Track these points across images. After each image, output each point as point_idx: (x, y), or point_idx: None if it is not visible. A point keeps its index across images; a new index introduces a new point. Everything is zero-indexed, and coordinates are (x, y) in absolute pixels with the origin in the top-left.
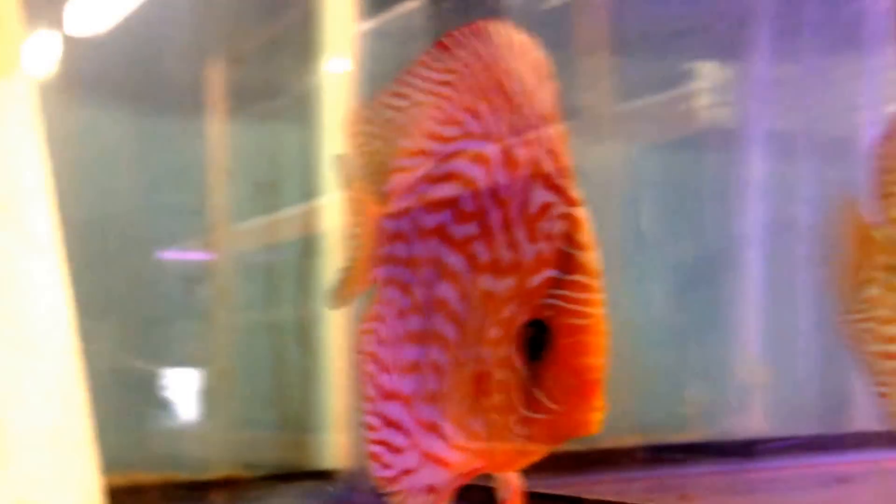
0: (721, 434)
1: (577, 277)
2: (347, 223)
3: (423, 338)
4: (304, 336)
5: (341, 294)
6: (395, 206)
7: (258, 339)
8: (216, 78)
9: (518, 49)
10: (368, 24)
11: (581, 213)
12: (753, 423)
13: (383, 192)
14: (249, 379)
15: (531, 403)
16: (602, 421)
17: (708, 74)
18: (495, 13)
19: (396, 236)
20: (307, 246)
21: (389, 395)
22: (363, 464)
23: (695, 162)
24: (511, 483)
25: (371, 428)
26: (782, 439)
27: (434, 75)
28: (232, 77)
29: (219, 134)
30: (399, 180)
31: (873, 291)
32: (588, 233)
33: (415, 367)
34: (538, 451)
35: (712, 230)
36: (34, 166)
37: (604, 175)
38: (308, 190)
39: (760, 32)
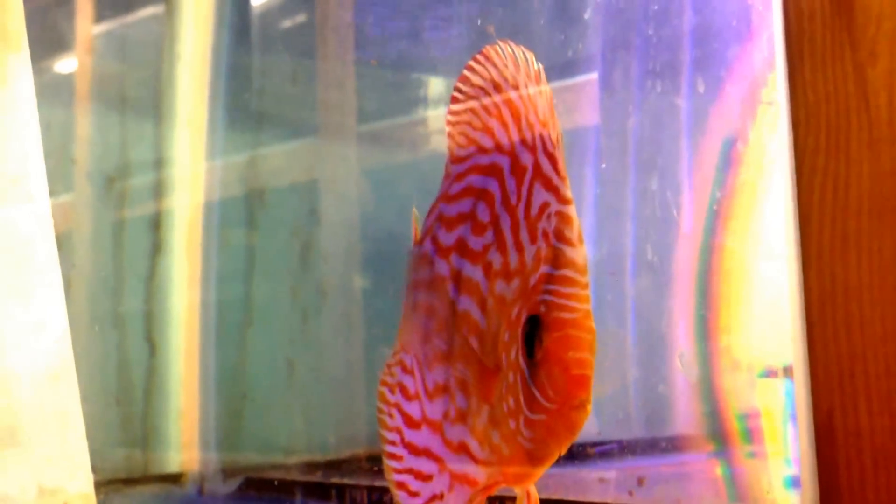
0: None
1: (565, 272)
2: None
3: (448, 357)
4: (151, 334)
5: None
6: (420, 232)
7: (102, 335)
8: None
9: (521, 64)
10: (105, 26)
11: (572, 210)
12: (586, 427)
13: None
14: (92, 377)
15: (531, 404)
16: (586, 419)
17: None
18: (242, 29)
19: (420, 260)
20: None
21: (417, 423)
22: (209, 467)
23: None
24: (531, 497)
25: (395, 458)
26: (610, 443)
27: (457, 107)
28: None
29: None
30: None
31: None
32: (577, 230)
33: (443, 389)
34: (548, 457)
35: None
36: (37, 145)
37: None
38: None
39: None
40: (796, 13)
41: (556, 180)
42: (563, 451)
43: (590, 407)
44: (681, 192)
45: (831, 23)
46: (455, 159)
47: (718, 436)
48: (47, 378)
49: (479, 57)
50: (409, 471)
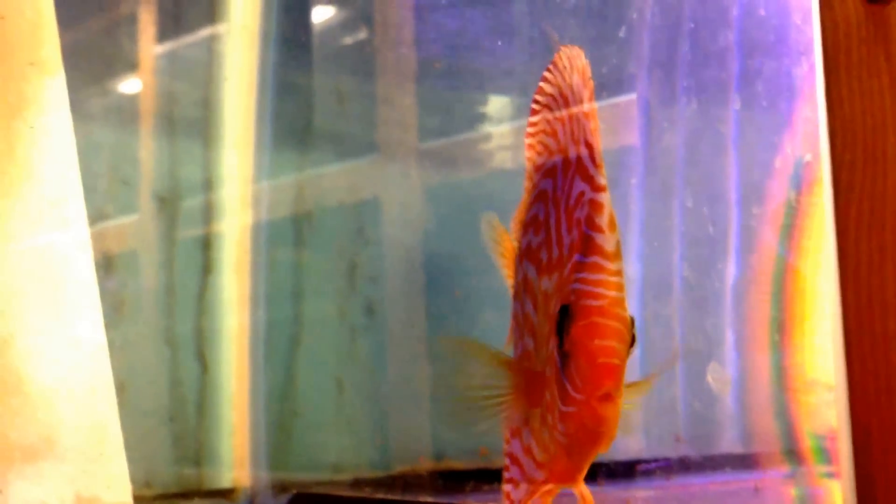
0: (605, 455)
1: (593, 259)
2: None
3: (521, 360)
4: (202, 352)
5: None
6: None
7: (155, 353)
8: None
9: (574, 63)
10: (157, 48)
11: (604, 197)
12: (633, 445)
13: None
14: (145, 395)
15: (564, 396)
16: (617, 412)
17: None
18: (303, 48)
19: (517, 271)
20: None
21: (514, 431)
22: (260, 483)
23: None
24: (584, 497)
25: (506, 468)
26: (658, 460)
27: (536, 118)
28: None
29: None
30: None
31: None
32: (607, 216)
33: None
34: (583, 453)
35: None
36: (75, 167)
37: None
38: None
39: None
40: (832, 26)
41: (591, 169)
42: (603, 449)
43: (621, 400)
44: (757, 211)
45: (867, 35)
46: (536, 168)
47: (793, 455)
48: (84, 391)
49: (550, 66)
50: (510, 480)
